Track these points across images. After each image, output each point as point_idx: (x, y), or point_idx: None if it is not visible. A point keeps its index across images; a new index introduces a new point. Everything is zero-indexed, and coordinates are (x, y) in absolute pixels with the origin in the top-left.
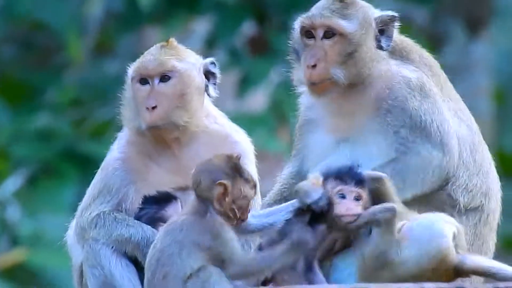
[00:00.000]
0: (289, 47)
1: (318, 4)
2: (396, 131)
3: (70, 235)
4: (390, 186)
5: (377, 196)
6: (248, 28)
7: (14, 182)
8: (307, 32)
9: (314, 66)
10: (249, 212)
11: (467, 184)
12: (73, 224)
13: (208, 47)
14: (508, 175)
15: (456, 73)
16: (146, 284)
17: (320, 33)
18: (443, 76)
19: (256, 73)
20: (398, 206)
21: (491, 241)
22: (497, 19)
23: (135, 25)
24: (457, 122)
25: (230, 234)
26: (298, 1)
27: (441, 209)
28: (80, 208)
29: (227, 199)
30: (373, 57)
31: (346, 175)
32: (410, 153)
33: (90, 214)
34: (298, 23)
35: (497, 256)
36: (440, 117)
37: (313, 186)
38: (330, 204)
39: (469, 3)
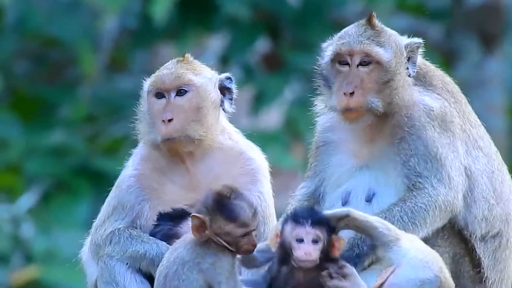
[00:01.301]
0: (316, 73)
1: (349, 31)
2: (405, 160)
3: (85, 252)
4: (362, 220)
5: (360, 232)
6: (262, 44)
7: (27, 199)
8: (341, 59)
9: (351, 93)
10: (253, 246)
11: (486, 217)
12: (87, 240)
13: (222, 64)
14: None
15: (470, 89)
16: None
17: (356, 60)
18: (464, 101)
19: (270, 90)
20: (387, 233)
21: None
22: (511, 35)
23: (148, 41)
24: (474, 156)
25: (225, 264)
26: (312, 18)
27: (458, 237)
28: (94, 225)
29: (207, 231)
30: (405, 85)
31: (303, 216)
32: (416, 189)
33: (105, 231)
34: (330, 49)
35: None
36: (455, 153)
37: (267, 247)
38: (289, 249)
39: (483, 19)
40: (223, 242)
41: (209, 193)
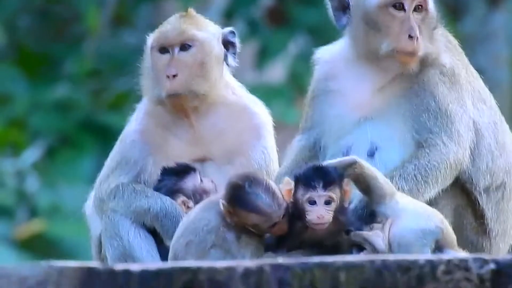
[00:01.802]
0: (363, 18)
1: None
2: (416, 116)
3: (89, 206)
4: (368, 167)
5: (359, 183)
6: None
7: (32, 153)
8: (397, 3)
9: (416, 38)
10: (284, 231)
11: (490, 168)
12: (91, 195)
13: (226, 19)
14: None
15: (475, 43)
16: (171, 246)
17: (412, 5)
18: (463, 55)
19: (275, 45)
20: (385, 186)
21: None
22: None
23: None
24: (480, 108)
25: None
26: None
27: (460, 189)
28: (98, 179)
29: (235, 218)
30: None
31: (314, 178)
32: (428, 146)
33: (109, 185)
34: None
35: None
36: (463, 108)
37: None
38: (302, 211)
39: None
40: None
41: (227, 185)
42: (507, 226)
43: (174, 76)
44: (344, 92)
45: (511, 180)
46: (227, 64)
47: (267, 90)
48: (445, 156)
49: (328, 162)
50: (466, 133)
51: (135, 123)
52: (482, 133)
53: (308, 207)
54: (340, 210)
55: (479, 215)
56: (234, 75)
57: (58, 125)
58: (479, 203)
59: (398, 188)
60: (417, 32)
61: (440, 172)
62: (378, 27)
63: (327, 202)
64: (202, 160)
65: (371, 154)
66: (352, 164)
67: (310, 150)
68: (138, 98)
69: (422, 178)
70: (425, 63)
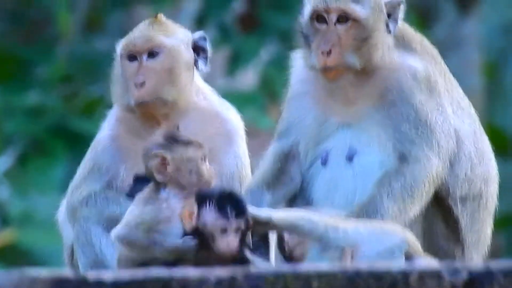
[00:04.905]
0: (296, 31)
1: None
2: (396, 125)
3: (61, 214)
4: (280, 222)
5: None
6: (238, 5)
7: (3, 161)
8: (319, 17)
9: (328, 52)
10: (212, 178)
11: (468, 176)
12: (64, 202)
13: (198, 24)
14: (498, 150)
15: (446, 49)
16: None
17: (333, 17)
18: (442, 62)
19: (247, 51)
20: (319, 223)
21: (489, 225)
22: None
23: (124, 1)
24: (460, 116)
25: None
26: None
27: (432, 196)
28: (70, 187)
29: (169, 168)
30: (384, 43)
31: (226, 206)
32: (412, 161)
33: (81, 193)
34: (308, 6)
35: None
36: (444, 115)
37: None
38: (209, 236)
39: None
40: (185, 177)
41: (157, 136)
42: (481, 235)
43: (142, 84)
44: (320, 99)
45: (488, 189)
46: (198, 69)
47: (239, 96)
48: (429, 171)
49: (248, 207)
50: (446, 143)
51: (106, 130)
52: (462, 140)
53: (218, 235)
54: (245, 237)
55: (451, 223)
56: (206, 81)
57: (30, 130)
58: (453, 211)
59: (387, 208)
60: (328, 46)
61: (425, 187)
62: (308, 42)
63: (237, 230)
64: None
65: (350, 158)
66: (265, 223)
67: (286, 155)
68: (110, 104)
69: (408, 197)
70: (370, 73)
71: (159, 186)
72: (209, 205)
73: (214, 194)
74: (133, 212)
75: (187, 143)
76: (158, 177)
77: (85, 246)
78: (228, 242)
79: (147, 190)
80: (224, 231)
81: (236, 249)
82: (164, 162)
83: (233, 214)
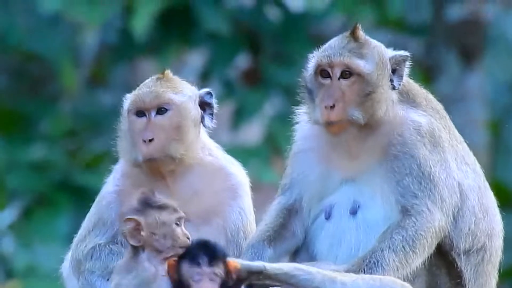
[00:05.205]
0: (300, 85)
1: (332, 43)
2: (399, 179)
3: (66, 267)
4: (274, 271)
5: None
6: (242, 59)
7: (8, 214)
8: (323, 71)
9: (332, 106)
10: (188, 237)
11: (472, 230)
12: (68, 256)
13: (202, 79)
14: (503, 206)
15: (450, 104)
16: None
17: (337, 72)
18: (447, 117)
19: (251, 105)
20: (316, 275)
21: (493, 278)
22: (491, 50)
23: (129, 56)
24: (464, 170)
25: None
26: (292, 33)
27: (436, 249)
28: (75, 240)
29: (143, 233)
30: (388, 98)
31: (199, 254)
32: (415, 214)
33: (85, 246)
34: (313, 61)
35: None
36: (447, 170)
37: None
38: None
39: (463, 33)
40: (162, 240)
41: (131, 200)
42: None
43: (150, 140)
44: (324, 154)
45: (492, 244)
46: (204, 125)
47: (244, 150)
48: (431, 224)
49: (238, 261)
50: (449, 197)
51: (111, 185)
52: (466, 194)
53: (193, 283)
54: (225, 285)
55: (455, 275)
56: (210, 136)
57: (34, 185)
58: (457, 264)
59: (388, 260)
60: (331, 101)
61: (427, 240)
62: (312, 96)
63: (212, 278)
64: None
65: (353, 212)
66: (258, 272)
67: (289, 210)
68: (115, 159)
69: (410, 249)
70: (374, 127)
71: (137, 249)
72: (184, 256)
73: (191, 245)
74: (121, 284)
75: (161, 207)
76: (132, 241)
77: None
78: None
79: (125, 256)
80: (198, 279)
81: None
82: (138, 227)
83: (205, 261)
